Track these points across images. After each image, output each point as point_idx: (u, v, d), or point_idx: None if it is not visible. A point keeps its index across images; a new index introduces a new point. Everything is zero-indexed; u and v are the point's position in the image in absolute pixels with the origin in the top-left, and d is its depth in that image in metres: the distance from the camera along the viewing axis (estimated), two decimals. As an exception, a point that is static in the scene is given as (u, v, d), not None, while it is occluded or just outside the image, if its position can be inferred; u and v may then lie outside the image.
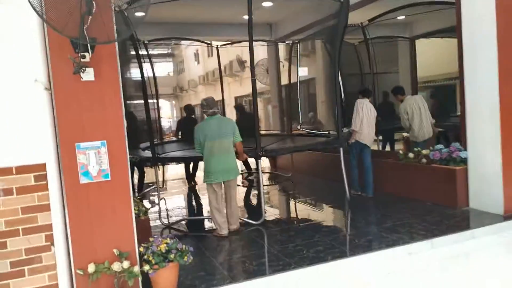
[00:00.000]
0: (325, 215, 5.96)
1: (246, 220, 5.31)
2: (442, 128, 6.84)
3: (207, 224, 5.55)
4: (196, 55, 23.76)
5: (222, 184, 4.81)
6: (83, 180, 2.98)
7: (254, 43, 5.26)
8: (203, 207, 6.80)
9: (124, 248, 3.07)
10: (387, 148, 8.23)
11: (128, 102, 6.95)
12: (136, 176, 7.48)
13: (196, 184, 8.31)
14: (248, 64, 14.23)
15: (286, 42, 9.70)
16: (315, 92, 11.36)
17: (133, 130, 6.79)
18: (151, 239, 3.23)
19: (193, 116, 9.05)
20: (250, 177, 8.75)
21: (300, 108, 9.01)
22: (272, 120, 12.91)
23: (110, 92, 3.06)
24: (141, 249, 3.18)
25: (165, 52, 26.87)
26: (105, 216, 3.06)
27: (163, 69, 29.51)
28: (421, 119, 6.23)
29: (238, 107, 9.65)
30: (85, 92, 2.98)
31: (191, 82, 23.86)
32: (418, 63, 8.85)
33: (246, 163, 8.66)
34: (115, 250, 3.03)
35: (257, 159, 5.24)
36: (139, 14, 3.35)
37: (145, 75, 5.82)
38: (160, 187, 6.91)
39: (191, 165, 8.42)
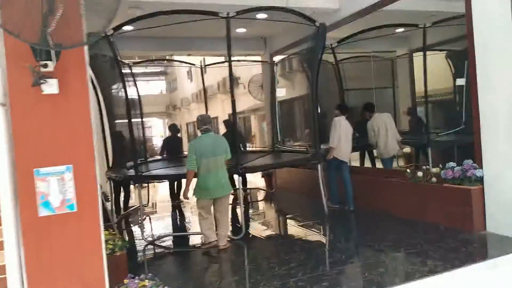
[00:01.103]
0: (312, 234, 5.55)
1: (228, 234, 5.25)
2: (413, 146, 7.13)
3: (193, 240, 5.74)
4: (189, 73, 23.44)
5: (213, 200, 4.84)
6: (42, 212, 2.47)
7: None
8: (188, 224, 6.96)
9: (93, 294, 2.55)
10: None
11: (116, 121, 6.96)
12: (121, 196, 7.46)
13: (180, 202, 8.20)
14: (241, 80, 13.91)
15: (269, 61, 9.58)
16: (295, 111, 11.25)
17: (120, 149, 6.79)
18: (125, 281, 2.71)
19: (178, 135, 9.29)
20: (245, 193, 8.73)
21: (278, 126, 9.13)
22: (265, 137, 12.72)
23: (78, 107, 2.58)
24: (115, 293, 2.67)
25: (158, 70, 26.56)
26: (70, 256, 2.54)
27: (156, 87, 29.17)
28: (387, 137, 6.38)
29: (226, 122, 9.51)
30: (46, 107, 2.50)
31: (184, 100, 23.48)
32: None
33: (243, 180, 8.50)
34: (82, 297, 2.51)
35: (238, 175, 5.46)
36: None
37: (130, 94, 5.91)
38: (144, 205, 7.20)
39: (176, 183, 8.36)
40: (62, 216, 2.52)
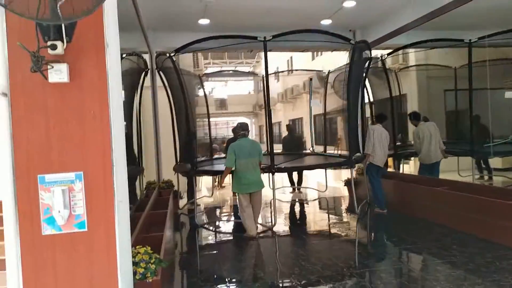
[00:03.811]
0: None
1: (259, 223, 6.05)
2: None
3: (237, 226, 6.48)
4: (277, 73, 23.04)
5: (249, 194, 5.56)
6: (46, 230, 1.99)
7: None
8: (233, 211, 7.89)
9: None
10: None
11: (180, 120, 7.69)
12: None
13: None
14: (330, 79, 12.99)
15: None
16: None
17: (185, 147, 7.44)
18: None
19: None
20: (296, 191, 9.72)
21: (312, 133, 10.72)
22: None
23: (93, 99, 2.06)
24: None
25: (247, 70, 26.71)
26: (78, 286, 2.03)
27: (244, 87, 29.39)
28: (430, 144, 6.84)
29: (288, 127, 10.97)
30: (54, 99, 2.02)
31: (270, 99, 23.09)
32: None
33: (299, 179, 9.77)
34: None
35: (271, 174, 6.11)
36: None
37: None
38: (208, 196, 9.18)
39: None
40: (69, 236, 2.02)
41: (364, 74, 7.33)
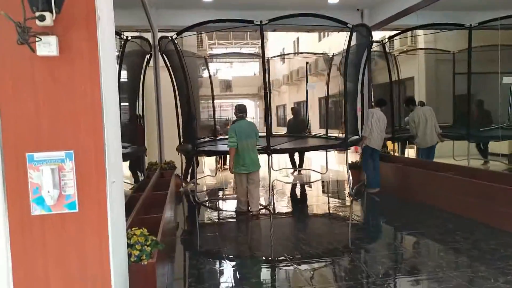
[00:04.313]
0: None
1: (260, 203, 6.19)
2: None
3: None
4: (282, 54, 22.73)
5: (247, 174, 5.81)
6: (35, 210, 1.92)
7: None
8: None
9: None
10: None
11: (183, 102, 7.76)
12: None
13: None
14: (334, 62, 12.77)
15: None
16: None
17: (186, 128, 7.65)
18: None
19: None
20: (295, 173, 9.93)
21: (307, 116, 11.37)
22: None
23: (84, 74, 1.95)
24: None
25: (252, 51, 26.36)
26: (69, 268, 1.97)
27: (249, 69, 29.06)
28: (426, 128, 6.98)
29: (293, 111, 11.01)
30: (42, 73, 1.91)
31: (275, 81, 22.83)
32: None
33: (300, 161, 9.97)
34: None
35: (268, 155, 6.30)
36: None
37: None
38: (212, 176, 9.53)
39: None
40: (59, 217, 1.95)
41: (364, 58, 7.40)
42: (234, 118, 10.18)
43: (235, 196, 6.17)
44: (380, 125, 6.83)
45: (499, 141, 7.74)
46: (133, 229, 2.69)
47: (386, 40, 8.22)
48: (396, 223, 5.36)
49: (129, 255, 2.45)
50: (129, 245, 2.49)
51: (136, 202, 3.85)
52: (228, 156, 6.46)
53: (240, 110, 5.96)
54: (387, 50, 8.42)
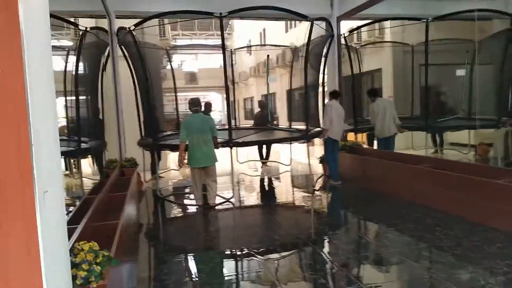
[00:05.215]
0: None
1: (220, 195, 6.24)
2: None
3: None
4: (247, 45, 22.28)
5: (202, 169, 5.79)
6: None
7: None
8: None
9: None
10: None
11: (142, 95, 7.43)
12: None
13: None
14: (302, 53, 12.54)
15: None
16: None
17: (148, 121, 7.40)
18: None
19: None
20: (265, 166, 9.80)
21: (269, 109, 10.87)
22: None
23: (1, 54, 1.50)
24: None
25: (218, 43, 25.74)
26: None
27: (215, 61, 28.42)
28: (384, 120, 7.08)
29: (260, 103, 10.96)
30: None
31: (242, 74, 22.43)
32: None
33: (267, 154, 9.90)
34: None
35: (230, 148, 6.35)
36: None
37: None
38: (176, 170, 9.18)
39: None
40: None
41: (325, 51, 7.68)
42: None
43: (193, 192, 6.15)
44: (339, 116, 6.90)
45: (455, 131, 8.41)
46: (80, 243, 2.26)
47: (347, 33, 8.29)
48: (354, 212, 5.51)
49: (74, 277, 2.03)
50: (74, 265, 2.06)
51: (90, 206, 3.39)
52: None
53: (194, 104, 5.81)
54: (348, 43, 8.46)
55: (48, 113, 1.74)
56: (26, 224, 1.55)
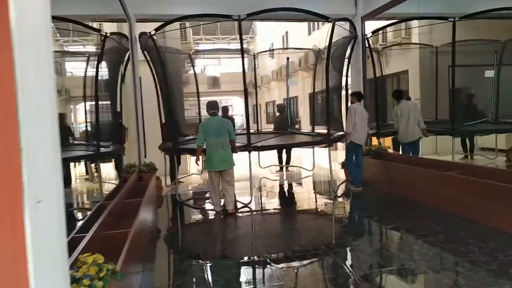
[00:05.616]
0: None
1: (239, 201, 6.12)
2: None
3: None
4: (270, 49, 22.15)
5: (219, 173, 5.67)
6: None
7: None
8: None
9: None
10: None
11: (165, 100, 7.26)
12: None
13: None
14: (325, 56, 12.30)
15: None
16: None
17: (169, 126, 7.18)
18: None
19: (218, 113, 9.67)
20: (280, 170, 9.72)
21: (288, 113, 10.49)
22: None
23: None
24: None
25: (238, 48, 25.72)
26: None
27: (237, 65, 28.37)
28: (408, 123, 6.79)
29: (279, 107, 10.69)
30: None
31: (264, 77, 22.28)
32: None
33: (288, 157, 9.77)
34: None
35: (248, 152, 6.05)
36: None
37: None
38: (198, 174, 9.16)
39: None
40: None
41: (348, 53, 7.39)
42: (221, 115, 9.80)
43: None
44: (363, 120, 6.68)
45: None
46: (84, 255, 2.14)
47: (370, 34, 7.96)
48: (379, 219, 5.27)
49: (75, 293, 1.90)
50: (75, 280, 1.93)
51: (100, 214, 3.29)
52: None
53: (211, 107, 5.75)
54: (371, 45, 8.13)
55: (47, 115, 1.61)
56: (14, 238, 1.41)
